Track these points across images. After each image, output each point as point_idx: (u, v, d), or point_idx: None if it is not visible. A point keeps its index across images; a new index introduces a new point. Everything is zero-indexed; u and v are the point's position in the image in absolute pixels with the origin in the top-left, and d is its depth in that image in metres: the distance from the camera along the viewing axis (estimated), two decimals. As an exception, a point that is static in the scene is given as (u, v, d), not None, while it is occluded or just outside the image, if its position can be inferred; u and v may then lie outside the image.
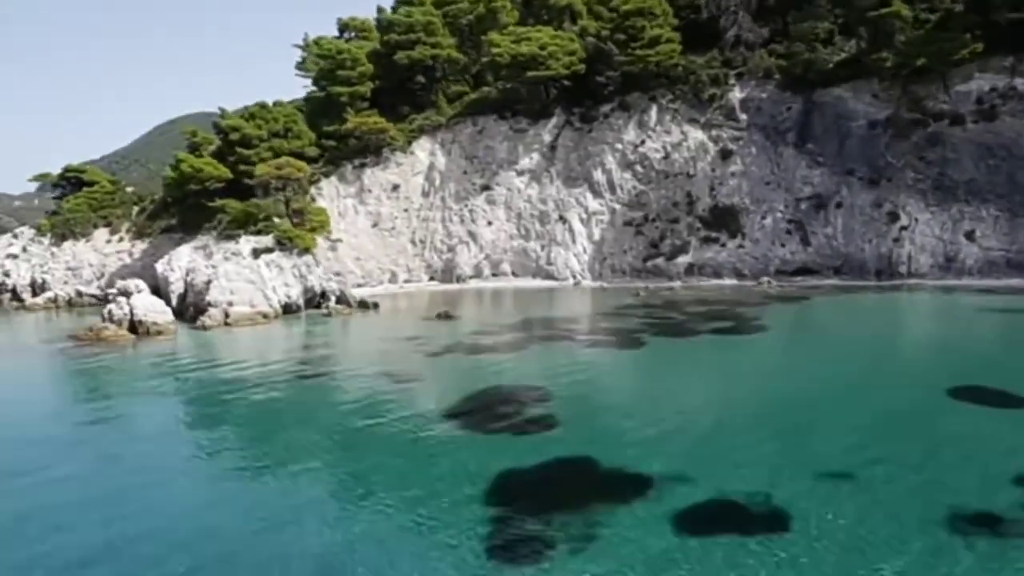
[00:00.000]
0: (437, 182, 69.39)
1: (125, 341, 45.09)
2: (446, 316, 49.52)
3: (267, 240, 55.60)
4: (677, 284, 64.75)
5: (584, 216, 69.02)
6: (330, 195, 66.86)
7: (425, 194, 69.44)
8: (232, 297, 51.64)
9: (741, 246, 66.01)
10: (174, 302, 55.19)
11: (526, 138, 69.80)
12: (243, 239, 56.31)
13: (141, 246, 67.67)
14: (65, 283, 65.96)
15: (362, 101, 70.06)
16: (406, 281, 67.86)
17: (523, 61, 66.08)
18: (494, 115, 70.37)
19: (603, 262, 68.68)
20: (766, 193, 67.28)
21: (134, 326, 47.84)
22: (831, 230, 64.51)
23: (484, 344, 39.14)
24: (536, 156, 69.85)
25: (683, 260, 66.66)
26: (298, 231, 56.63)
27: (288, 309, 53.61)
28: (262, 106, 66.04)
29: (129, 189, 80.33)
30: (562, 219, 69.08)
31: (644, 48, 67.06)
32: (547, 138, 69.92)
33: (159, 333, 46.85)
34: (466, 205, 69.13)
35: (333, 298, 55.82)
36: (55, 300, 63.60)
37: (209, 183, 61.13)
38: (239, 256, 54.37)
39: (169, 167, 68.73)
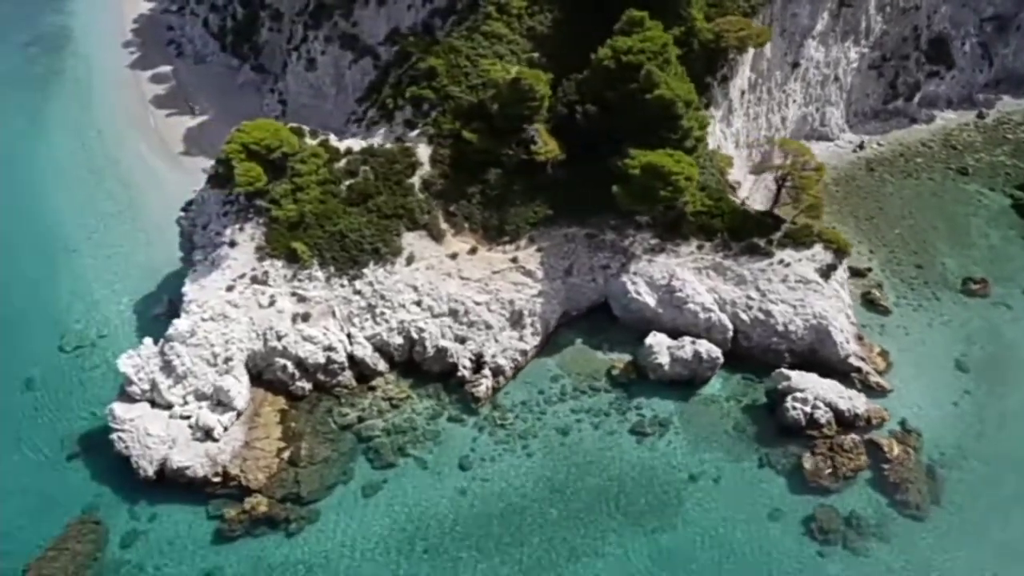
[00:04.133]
0: (765, 70, 61.11)
1: None
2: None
3: (820, 252, 49.71)
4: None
5: (846, 69, 69.14)
6: (716, 135, 55.97)
7: (752, 87, 61.17)
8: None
9: (953, 76, 75.06)
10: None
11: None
12: (785, 254, 49.30)
13: (532, 257, 50.36)
14: (460, 340, 48.33)
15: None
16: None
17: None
18: (803, -24, 60.72)
19: (849, 108, 72.14)
20: (962, 15, 74.47)
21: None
22: (1009, 51, 76.74)
23: None
24: (826, 17, 64.35)
25: (916, 97, 73.86)
26: (830, 228, 51.08)
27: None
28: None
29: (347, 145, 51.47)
30: (836, 78, 68.41)
31: None
32: (839, -7, 64.07)
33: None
34: (783, 90, 63.52)
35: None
36: (499, 370, 47.87)
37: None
38: (813, 284, 49.01)
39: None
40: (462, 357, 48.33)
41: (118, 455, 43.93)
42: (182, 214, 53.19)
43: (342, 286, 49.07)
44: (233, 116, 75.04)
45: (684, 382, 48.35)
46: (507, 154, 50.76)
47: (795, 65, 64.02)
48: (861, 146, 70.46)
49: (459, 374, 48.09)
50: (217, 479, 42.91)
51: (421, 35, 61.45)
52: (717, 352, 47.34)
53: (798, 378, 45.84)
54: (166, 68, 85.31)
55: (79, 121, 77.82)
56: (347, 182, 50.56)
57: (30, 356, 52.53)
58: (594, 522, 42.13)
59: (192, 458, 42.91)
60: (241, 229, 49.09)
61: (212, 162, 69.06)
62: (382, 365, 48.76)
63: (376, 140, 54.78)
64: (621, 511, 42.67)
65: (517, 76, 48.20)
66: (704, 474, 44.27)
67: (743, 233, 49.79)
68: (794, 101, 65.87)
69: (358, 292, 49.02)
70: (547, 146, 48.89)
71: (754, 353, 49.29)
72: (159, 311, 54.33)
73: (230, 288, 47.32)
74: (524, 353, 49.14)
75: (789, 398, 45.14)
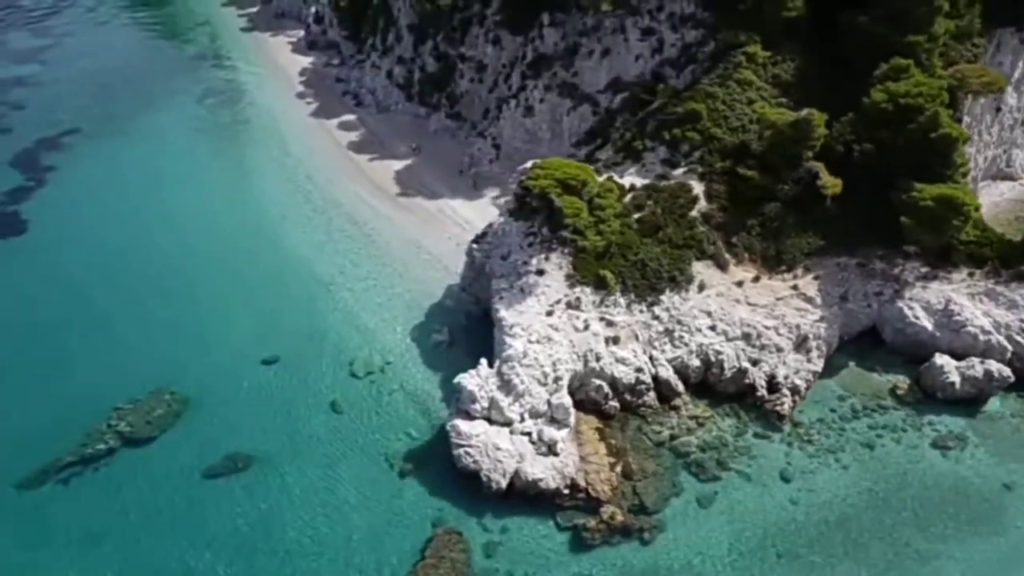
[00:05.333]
0: (978, 114, 65.72)
1: None
2: None
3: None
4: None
5: (1031, 112, 73.86)
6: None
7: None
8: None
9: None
10: None
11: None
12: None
13: (810, 285, 53.83)
14: (754, 362, 51.32)
15: None
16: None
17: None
18: (1011, 27, 65.69)
19: (1024, 150, 76.65)
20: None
21: None
22: None
23: None
24: (1021, 65, 69.25)
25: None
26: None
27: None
28: None
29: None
30: (1022, 122, 73.04)
31: None
32: (1033, 42, 69.18)
33: None
34: (989, 132, 68.10)
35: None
36: (796, 389, 50.79)
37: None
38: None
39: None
40: (758, 378, 51.34)
41: (463, 470, 46.50)
42: (474, 245, 56.68)
43: (641, 312, 52.37)
44: (435, 159, 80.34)
45: (967, 401, 51.29)
46: (783, 189, 54.72)
47: (998, 110, 68.64)
48: (1044, 187, 74.76)
49: (758, 394, 51.05)
50: (567, 491, 45.46)
51: (651, 83, 66.23)
52: (1007, 371, 50.39)
53: None
54: (349, 117, 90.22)
55: (284, 165, 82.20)
56: (636, 215, 54.29)
57: (326, 382, 55.46)
58: (928, 528, 44.55)
59: (543, 471, 45.51)
60: (547, 258, 52.56)
61: (431, 202, 74.30)
62: (680, 386, 51.71)
63: (632, 178, 58.77)
64: (950, 517, 45.09)
65: (807, 116, 52.39)
66: (1017, 483, 46.85)
67: (1012, 260, 53.30)
68: (992, 143, 70.34)
69: (656, 317, 52.32)
70: (831, 181, 52.79)
71: (1027, 372, 52.36)
72: (441, 339, 57.51)
73: (549, 313, 50.58)
74: (814, 374, 52.16)
75: (1088, 412, 48.03)
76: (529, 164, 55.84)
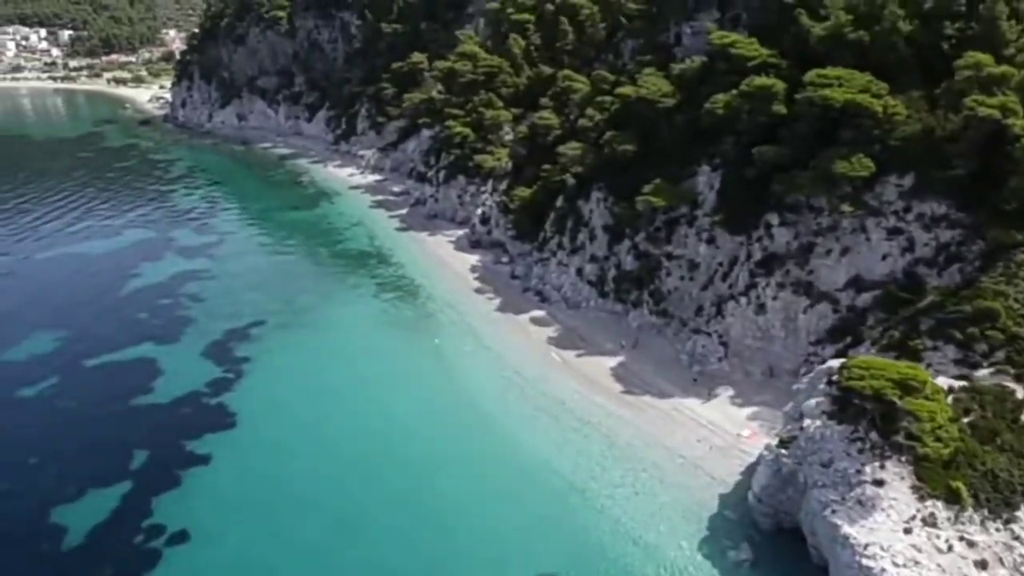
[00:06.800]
0: None
1: None
2: None
3: None
4: None
5: None
6: None
7: None
8: None
9: None
10: None
11: None
12: None
13: None
14: None
15: None
16: None
17: None
18: None
19: None
20: None
21: None
22: None
23: None
24: None
25: None
26: None
27: None
28: None
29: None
30: None
31: None
32: None
33: None
34: None
35: None
36: None
37: None
38: None
39: None
40: None
41: None
42: (782, 451, 52.03)
43: (998, 530, 46.20)
44: (647, 356, 77.78)
45: None
46: (1124, 392, 50.44)
47: None
48: None
49: None
50: None
51: (906, 282, 64.43)
52: None
53: None
54: (539, 312, 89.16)
55: (486, 360, 79.84)
56: (965, 420, 49.84)
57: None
58: None
59: None
60: (882, 467, 47.56)
61: (662, 400, 70.59)
62: (1059, 623, 44.35)
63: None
64: None
65: None
66: None
67: None
68: None
69: (1017, 537, 46.01)
70: None
71: None
72: (743, 557, 51.21)
73: (907, 531, 44.72)
74: None
75: None
76: (836, 363, 52.75)
